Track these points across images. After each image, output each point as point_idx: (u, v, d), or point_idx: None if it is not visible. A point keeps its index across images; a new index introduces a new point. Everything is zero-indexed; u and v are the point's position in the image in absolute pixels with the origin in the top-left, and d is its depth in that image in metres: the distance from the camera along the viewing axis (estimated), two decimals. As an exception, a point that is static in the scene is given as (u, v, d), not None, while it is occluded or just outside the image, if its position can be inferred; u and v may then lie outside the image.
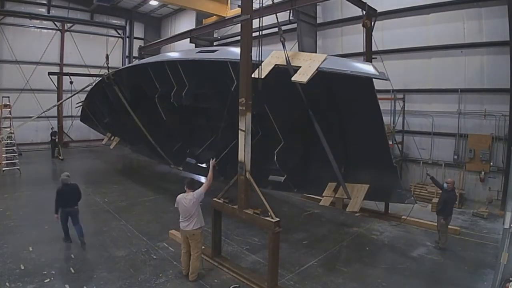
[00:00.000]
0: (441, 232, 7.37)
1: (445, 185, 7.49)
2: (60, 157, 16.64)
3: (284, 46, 5.88)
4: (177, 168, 11.46)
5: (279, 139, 7.73)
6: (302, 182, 7.95)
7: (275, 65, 6.16)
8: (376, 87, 5.81)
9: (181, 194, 5.93)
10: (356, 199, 6.68)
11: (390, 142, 11.16)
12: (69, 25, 20.45)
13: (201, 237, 5.90)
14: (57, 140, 17.36)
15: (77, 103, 16.48)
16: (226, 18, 16.03)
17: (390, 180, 6.97)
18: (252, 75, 5.71)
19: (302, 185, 8.07)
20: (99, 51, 21.01)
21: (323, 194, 7.28)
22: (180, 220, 5.85)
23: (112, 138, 15.54)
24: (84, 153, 19.10)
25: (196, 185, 6.05)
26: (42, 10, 19.50)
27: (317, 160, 8.12)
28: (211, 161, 6.43)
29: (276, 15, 6.25)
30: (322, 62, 5.76)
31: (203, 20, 18.28)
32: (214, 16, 16.92)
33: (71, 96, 15.57)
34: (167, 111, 10.45)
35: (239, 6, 11.84)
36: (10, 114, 14.91)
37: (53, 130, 17.57)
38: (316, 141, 6.78)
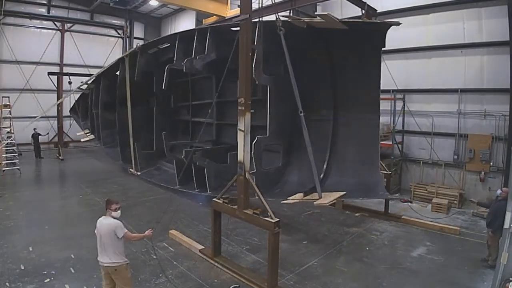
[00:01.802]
0: (490, 247, 6.60)
1: (498, 191, 6.67)
2: (60, 157, 16.67)
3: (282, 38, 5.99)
4: (136, 173, 11.27)
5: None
6: (269, 188, 7.79)
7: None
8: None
9: (101, 218, 4.60)
10: (329, 197, 6.49)
11: (390, 142, 11.17)
12: (69, 25, 20.46)
13: (127, 271, 4.60)
14: (39, 140, 17.00)
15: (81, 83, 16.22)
16: (226, 18, 16.05)
17: (374, 182, 6.95)
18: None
19: (268, 192, 7.91)
20: (99, 51, 21.07)
21: (288, 197, 6.94)
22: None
23: (87, 134, 15.61)
24: (84, 153, 19.11)
25: (114, 204, 4.60)
26: (42, 10, 19.51)
27: (295, 167, 8.06)
28: (148, 231, 4.98)
29: (277, 14, 6.22)
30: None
31: (203, 20, 18.30)
32: (214, 16, 16.95)
33: (72, 93, 15.48)
34: (168, 85, 9.81)
35: (238, 6, 11.85)
36: (10, 114, 14.93)
37: (36, 131, 16.89)
38: (298, 147, 6.76)
